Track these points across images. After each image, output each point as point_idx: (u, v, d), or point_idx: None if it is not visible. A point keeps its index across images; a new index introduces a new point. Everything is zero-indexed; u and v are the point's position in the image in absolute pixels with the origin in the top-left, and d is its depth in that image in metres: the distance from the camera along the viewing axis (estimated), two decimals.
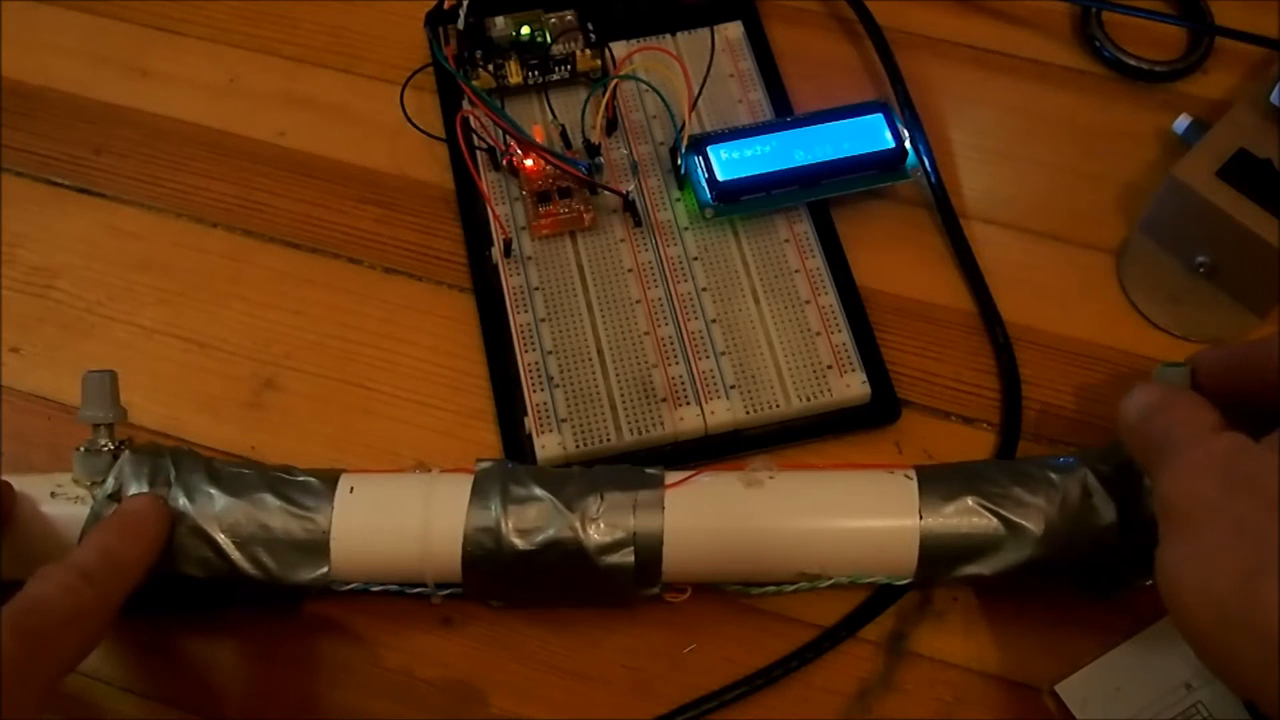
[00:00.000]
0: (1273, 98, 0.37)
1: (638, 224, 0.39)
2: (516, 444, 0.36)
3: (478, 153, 0.40)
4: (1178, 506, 0.26)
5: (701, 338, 0.37)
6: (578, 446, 0.35)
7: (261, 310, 0.39)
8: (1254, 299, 0.38)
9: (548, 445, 0.35)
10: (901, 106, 0.42)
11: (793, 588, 0.33)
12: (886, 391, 0.37)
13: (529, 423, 0.36)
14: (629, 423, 0.36)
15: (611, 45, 0.42)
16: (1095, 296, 0.39)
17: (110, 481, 0.31)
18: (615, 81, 0.41)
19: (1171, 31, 0.45)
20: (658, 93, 0.41)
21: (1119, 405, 0.31)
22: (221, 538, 0.31)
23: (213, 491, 0.32)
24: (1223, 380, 0.31)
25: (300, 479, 0.32)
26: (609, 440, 0.35)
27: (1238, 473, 0.26)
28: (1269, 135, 0.37)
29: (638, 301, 0.38)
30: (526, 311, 0.38)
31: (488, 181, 0.40)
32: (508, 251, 0.39)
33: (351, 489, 0.32)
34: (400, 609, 0.34)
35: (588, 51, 0.42)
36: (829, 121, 0.40)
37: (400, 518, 0.32)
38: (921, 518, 0.32)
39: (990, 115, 0.44)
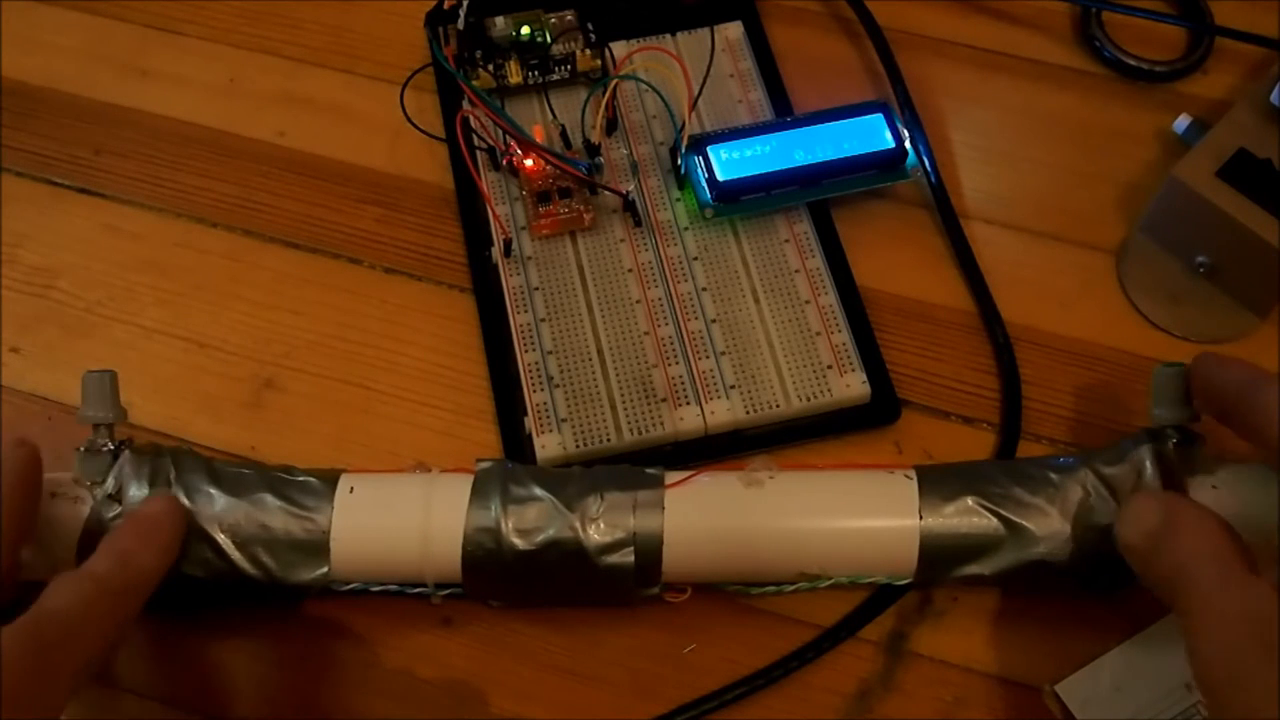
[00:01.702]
0: (1273, 98, 0.37)
1: (638, 224, 0.39)
2: (516, 444, 0.36)
3: (478, 153, 0.40)
4: (1217, 673, 0.25)
5: (701, 338, 0.37)
6: (578, 446, 0.35)
7: (261, 310, 0.39)
8: (1254, 299, 0.38)
9: (548, 445, 0.35)
10: (901, 106, 0.42)
11: (793, 588, 0.33)
12: (886, 391, 0.37)
13: (529, 423, 0.36)
14: (629, 423, 0.36)
15: (611, 45, 0.42)
16: (1095, 296, 0.39)
17: (110, 481, 0.31)
18: (615, 81, 0.41)
19: (1171, 31, 0.45)
20: (658, 93, 0.41)
21: (1118, 523, 0.29)
22: (221, 538, 0.31)
23: (213, 491, 0.32)
24: (1216, 403, 0.31)
25: (300, 479, 0.32)
26: (609, 440, 0.35)
27: (1260, 640, 0.24)
28: (1269, 135, 0.37)
29: (638, 301, 0.38)
30: (526, 311, 0.38)
31: (488, 181, 0.40)
32: (508, 251, 0.39)
33: (351, 489, 0.32)
34: (400, 609, 0.34)
35: (588, 51, 0.42)
36: (829, 121, 0.40)
37: (400, 518, 0.32)
38: (921, 518, 0.32)
39: (990, 115, 0.44)
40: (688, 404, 0.36)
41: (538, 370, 0.37)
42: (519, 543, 0.31)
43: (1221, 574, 0.26)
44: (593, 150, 0.40)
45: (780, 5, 0.45)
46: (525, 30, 0.41)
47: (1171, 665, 0.32)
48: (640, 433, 0.35)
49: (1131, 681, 0.32)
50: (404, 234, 0.41)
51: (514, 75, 0.41)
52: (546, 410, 0.36)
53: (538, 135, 0.41)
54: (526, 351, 0.37)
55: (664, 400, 0.36)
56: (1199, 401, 0.31)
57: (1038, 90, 0.44)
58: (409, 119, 0.42)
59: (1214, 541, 0.27)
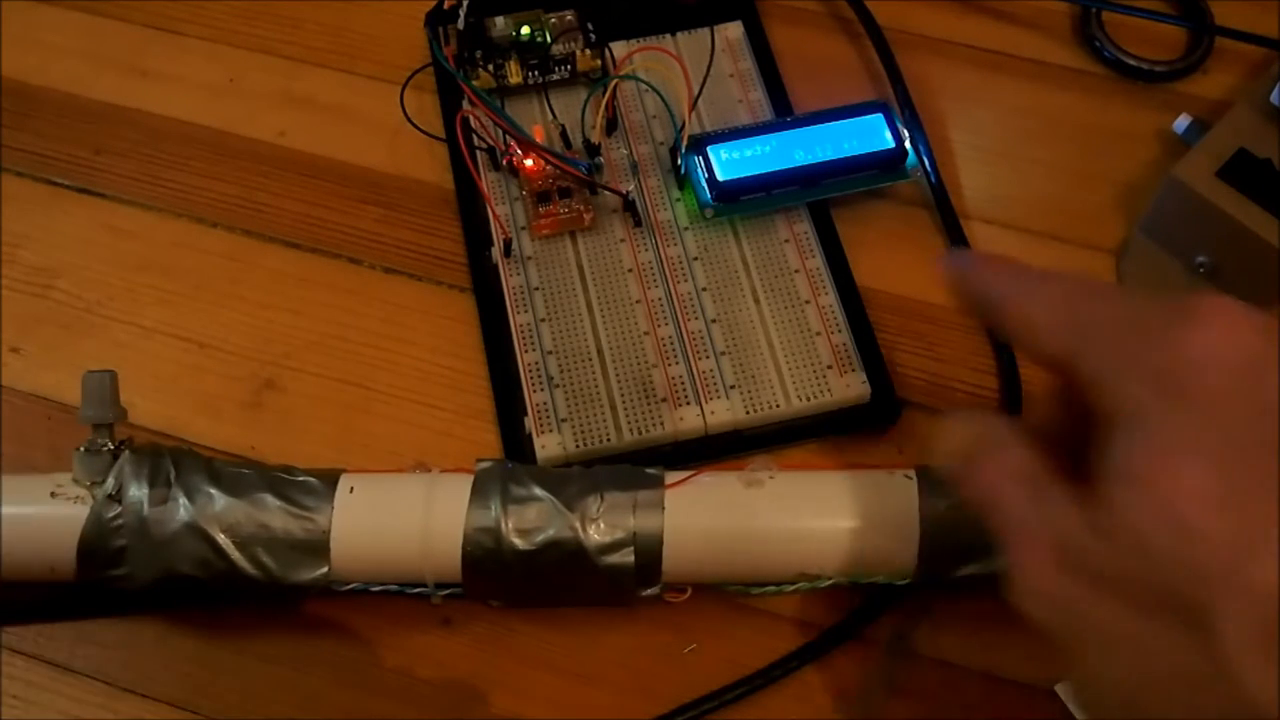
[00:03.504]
0: (1273, 98, 0.37)
1: (638, 224, 0.39)
2: (516, 444, 0.36)
3: (478, 153, 0.40)
4: (1044, 623, 0.23)
5: (701, 338, 0.37)
6: (578, 446, 0.35)
7: (261, 310, 0.39)
8: (1254, 299, 0.38)
9: (548, 445, 0.35)
10: (901, 106, 0.42)
11: (793, 588, 0.33)
12: (886, 391, 0.37)
13: (529, 423, 0.36)
14: (629, 423, 0.36)
15: (611, 45, 0.42)
16: None
17: (110, 481, 0.31)
18: (615, 81, 0.41)
19: (1171, 31, 0.45)
20: (658, 93, 0.41)
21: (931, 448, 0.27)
22: (221, 538, 0.31)
23: (213, 491, 0.32)
24: (977, 310, 0.27)
25: (300, 479, 0.32)
26: (609, 440, 0.35)
27: (1082, 570, 0.22)
28: (1269, 135, 0.37)
29: (638, 301, 0.38)
30: (526, 311, 0.38)
31: (488, 181, 0.40)
32: (508, 251, 0.39)
33: (351, 489, 0.32)
34: (400, 609, 0.34)
35: (588, 51, 0.42)
36: (829, 121, 0.40)
37: (400, 518, 0.32)
38: (921, 518, 0.32)
39: (990, 115, 0.44)
40: (688, 404, 0.36)
41: (538, 370, 0.37)
42: (519, 543, 0.31)
43: (1030, 494, 0.24)
44: (593, 150, 0.40)
45: (780, 5, 0.45)
46: (525, 30, 0.41)
47: None
48: (640, 433, 0.35)
49: None
50: (404, 234, 0.41)
51: (514, 75, 0.41)
52: (546, 410, 0.36)
53: (538, 135, 0.41)
54: (526, 351, 0.37)
55: (664, 400, 0.36)
56: (960, 304, 0.28)
57: (1038, 90, 0.44)
58: (409, 119, 0.42)
59: (1018, 460, 0.24)
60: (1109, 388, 0.23)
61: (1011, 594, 0.24)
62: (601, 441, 0.35)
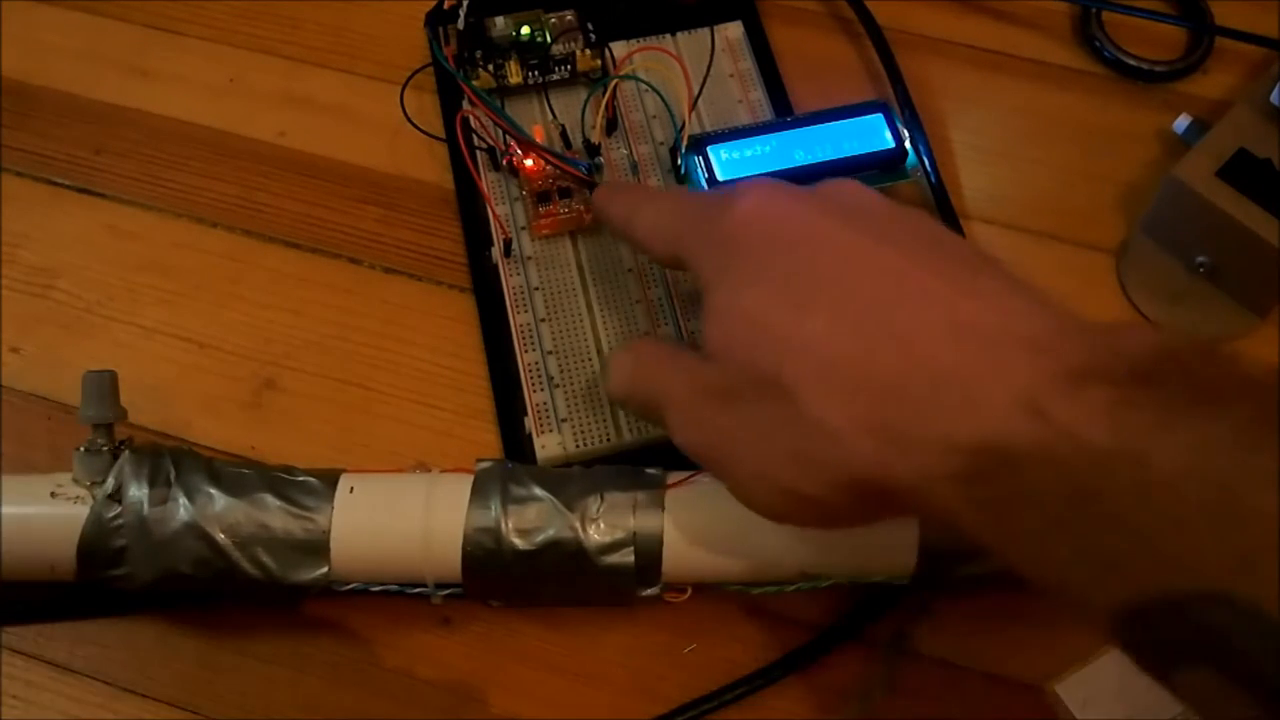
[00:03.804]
0: (1273, 98, 0.37)
1: None
2: (516, 444, 0.36)
3: (478, 153, 0.40)
4: (696, 447, 0.29)
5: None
6: (578, 446, 0.35)
7: (261, 310, 0.39)
8: (1254, 299, 0.38)
9: (548, 445, 0.35)
10: (901, 106, 0.42)
11: (793, 588, 0.33)
12: None
13: (529, 423, 0.36)
14: (629, 422, 0.36)
15: (611, 45, 0.42)
16: (1095, 296, 0.39)
17: (110, 481, 0.31)
18: (615, 81, 0.41)
19: (1171, 31, 0.45)
20: (658, 93, 0.41)
21: (603, 385, 0.34)
22: (221, 538, 0.31)
23: (213, 491, 0.32)
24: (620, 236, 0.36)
25: (300, 479, 0.32)
26: (609, 440, 0.35)
27: (708, 394, 0.28)
28: (1269, 135, 0.37)
29: (637, 301, 0.38)
30: (526, 311, 0.38)
31: (488, 181, 0.40)
32: (508, 251, 0.39)
33: (351, 489, 0.32)
34: (400, 609, 0.34)
35: (588, 51, 0.42)
36: (829, 121, 0.40)
37: (400, 518, 0.32)
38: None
39: (990, 115, 0.44)
40: None
41: (538, 370, 0.37)
42: (519, 543, 0.31)
43: (670, 363, 0.30)
44: (593, 150, 0.40)
45: (780, 5, 0.45)
46: (525, 30, 0.41)
47: None
48: (640, 432, 0.35)
49: (1132, 681, 0.32)
50: (404, 234, 0.41)
51: (514, 75, 0.41)
52: (546, 410, 0.36)
53: (538, 135, 0.41)
54: (526, 351, 0.37)
55: None
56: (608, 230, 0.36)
57: (1038, 90, 0.44)
58: (409, 119, 0.42)
59: (662, 348, 0.31)
60: (696, 264, 0.29)
61: (673, 435, 0.29)
62: (601, 441, 0.35)
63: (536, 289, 0.38)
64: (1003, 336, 0.24)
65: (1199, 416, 0.20)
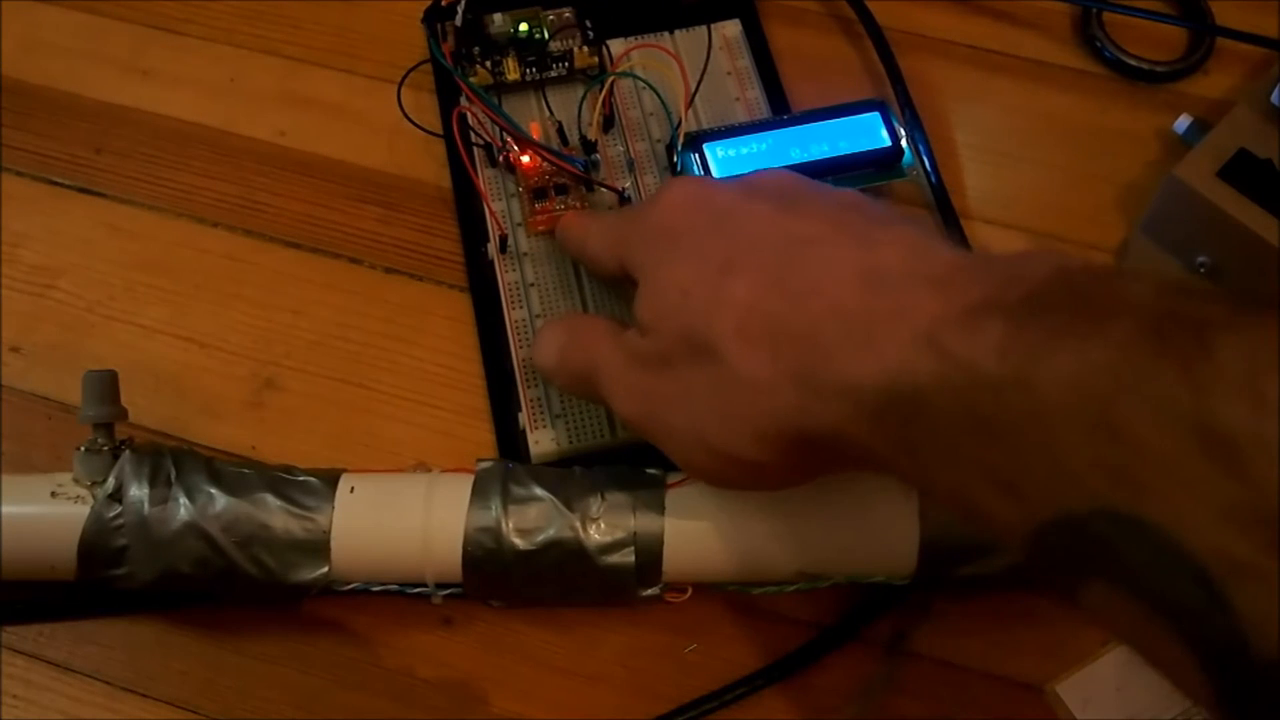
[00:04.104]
0: (1273, 98, 0.37)
1: None
2: (510, 440, 0.36)
3: (474, 149, 0.40)
4: (634, 415, 0.30)
5: None
6: (571, 442, 0.35)
7: (261, 310, 0.39)
8: (1254, 299, 0.38)
9: (541, 441, 0.35)
10: (901, 106, 0.42)
11: (793, 588, 0.33)
12: None
13: (523, 418, 0.36)
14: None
15: (609, 42, 0.42)
16: None
17: (110, 481, 0.31)
18: (612, 79, 0.41)
19: (1172, 32, 0.45)
20: (655, 90, 0.41)
21: (533, 358, 0.34)
22: (222, 537, 0.31)
23: (213, 491, 0.32)
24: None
25: (300, 479, 0.32)
26: (603, 436, 0.35)
27: (645, 363, 0.29)
28: (1270, 135, 0.37)
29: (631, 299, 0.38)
30: (522, 307, 0.38)
31: (484, 178, 0.40)
32: (503, 247, 0.39)
33: (352, 489, 0.32)
34: (400, 609, 0.34)
35: (585, 49, 0.42)
36: (825, 120, 0.40)
37: (400, 518, 0.32)
38: (921, 517, 0.32)
39: (990, 115, 0.44)
40: None
41: (532, 366, 0.36)
42: (519, 542, 0.31)
43: (610, 340, 0.31)
44: (589, 147, 0.40)
45: (779, 4, 0.45)
46: (523, 27, 0.41)
47: None
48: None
49: (1132, 681, 0.32)
50: (404, 234, 0.41)
51: (511, 72, 0.41)
52: (540, 406, 0.36)
53: (534, 132, 0.41)
54: (521, 347, 0.37)
55: None
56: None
57: (1038, 90, 0.44)
58: (405, 114, 0.41)
59: (600, 324, 0.32)
60: (632, 263, 0.31)
61: (613, 406, 0.30)
62: (595, 438, 0.35)
63: (532, 285, 0.38)
64: (909, 278, 0.25)
65: (1080, 335, 0.21)
